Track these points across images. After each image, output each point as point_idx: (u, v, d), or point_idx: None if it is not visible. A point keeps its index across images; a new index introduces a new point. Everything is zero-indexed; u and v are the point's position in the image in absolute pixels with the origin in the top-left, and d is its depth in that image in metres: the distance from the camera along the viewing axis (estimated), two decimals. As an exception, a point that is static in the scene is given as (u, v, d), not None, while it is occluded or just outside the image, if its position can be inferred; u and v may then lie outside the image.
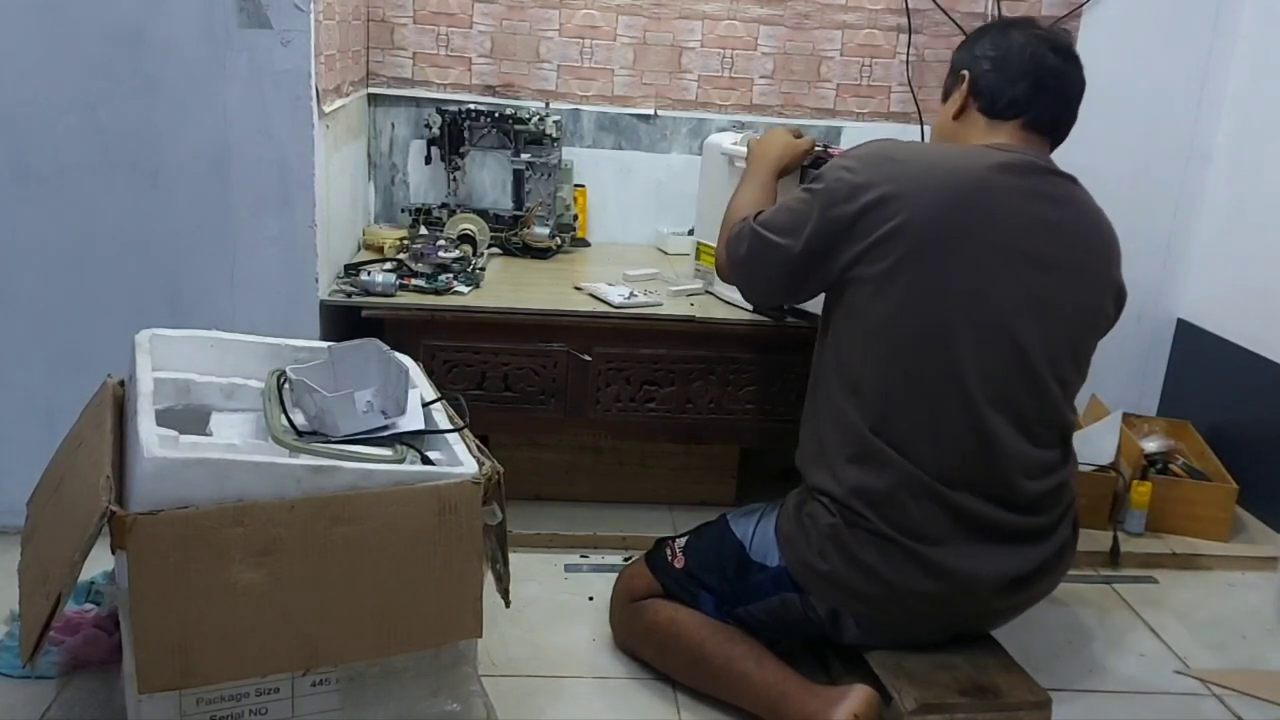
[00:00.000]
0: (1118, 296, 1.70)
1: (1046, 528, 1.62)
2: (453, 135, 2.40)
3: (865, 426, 1.57)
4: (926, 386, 1.55)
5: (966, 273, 1.53)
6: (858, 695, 1.52)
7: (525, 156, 2.41)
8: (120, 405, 1.47)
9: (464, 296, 2.06)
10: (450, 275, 2.11)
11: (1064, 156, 1.67)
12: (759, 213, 1.71)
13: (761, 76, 2.51)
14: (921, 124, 2.52)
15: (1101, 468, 2.29)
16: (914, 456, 1.55)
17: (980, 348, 1.54)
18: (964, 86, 1.67)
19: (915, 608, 1.58)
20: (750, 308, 2.07)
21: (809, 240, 1.60)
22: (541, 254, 2.40)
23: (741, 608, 1.68)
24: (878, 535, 1.55)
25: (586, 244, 2.56)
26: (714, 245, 1.96)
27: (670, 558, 1.74)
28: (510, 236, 2.41)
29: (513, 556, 1.54)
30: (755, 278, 1.75)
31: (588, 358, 2.06)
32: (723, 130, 2.45)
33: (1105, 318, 1.68)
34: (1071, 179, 1.65)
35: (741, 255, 1.71)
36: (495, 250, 2.40)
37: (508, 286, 2.16)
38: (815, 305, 2.05)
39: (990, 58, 1.65)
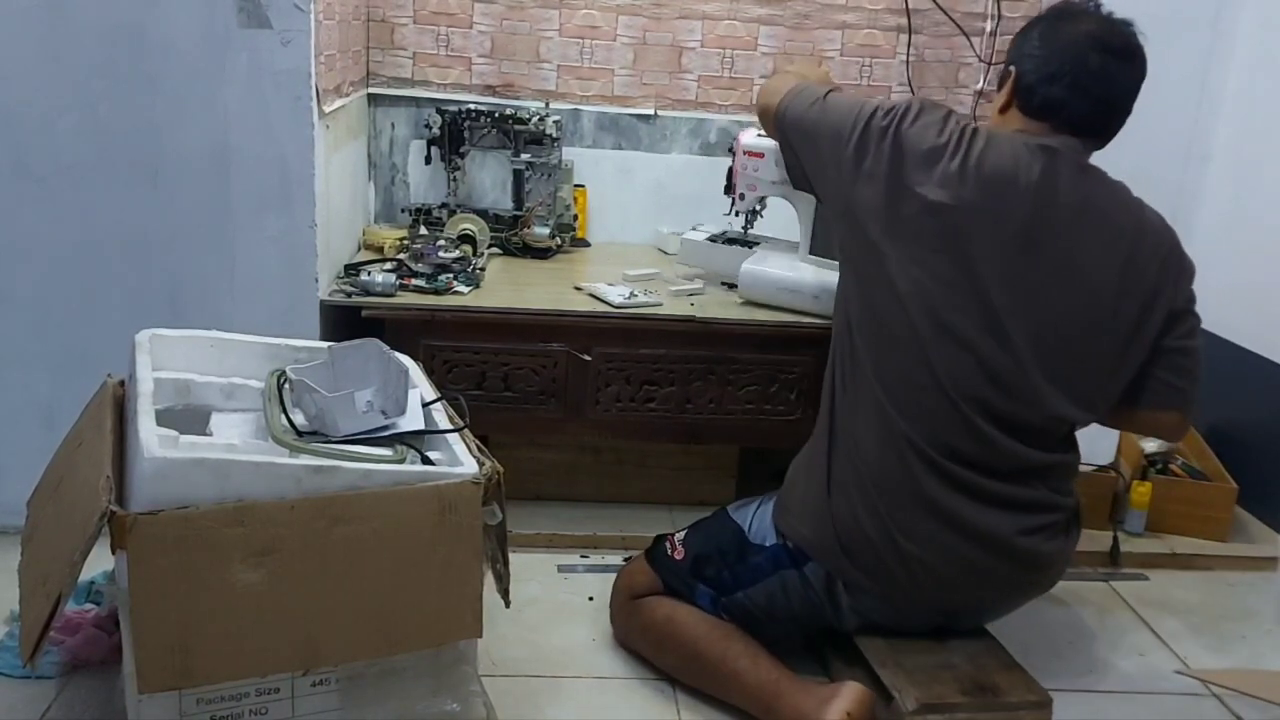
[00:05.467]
0: (1147, 299, 1.63)
1: (1041, 502, 1.62)
2: (453, 135, 2.40)
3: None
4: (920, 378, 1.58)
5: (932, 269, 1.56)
6: (850, 693, 1.52)
7: (525, 156, 2.41)
8: (120, 405, 1.47)
9: (464, 296, 2.05)
10: (450, 275, 2.11)
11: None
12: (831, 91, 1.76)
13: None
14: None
15: (1101, 468, 2.29)
16: (908, 424, 1.58)
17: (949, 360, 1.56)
18: (1010, 84, 1.65)
19: (908, 567, 1.59)
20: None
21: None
22: (541, 254, 2.39)
23: (740, 592, 1.68)
24: (866, 505, 1.59)
25: (586, 244, 2.55)
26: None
27: (670, 551, 1.75)
28: (510, 236, 2.41)
29: (513, 556, 1.54)
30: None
31: (588, 358, 2.05)
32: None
33: (1117, 320, 1.62)
34: (1089, 171, 1.67)
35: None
36: (495, 250, 2.40)
37: (508, 286, 2.15)
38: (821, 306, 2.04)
39: (1034, 56, 1.61)
